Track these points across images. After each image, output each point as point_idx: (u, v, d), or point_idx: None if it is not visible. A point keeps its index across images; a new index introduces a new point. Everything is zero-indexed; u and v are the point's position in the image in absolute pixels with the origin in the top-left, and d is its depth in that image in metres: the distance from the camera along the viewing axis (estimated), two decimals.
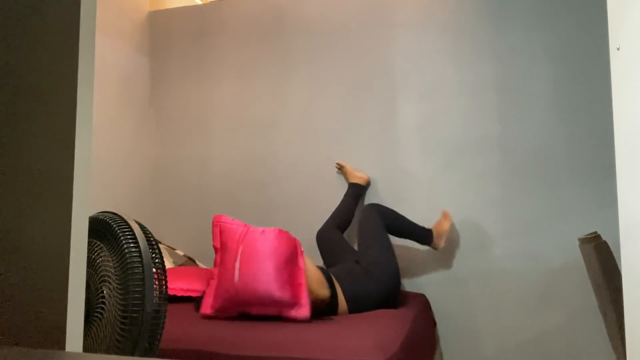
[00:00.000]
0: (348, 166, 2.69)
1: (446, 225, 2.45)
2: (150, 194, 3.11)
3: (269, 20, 2.98)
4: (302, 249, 2.03)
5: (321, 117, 2.84)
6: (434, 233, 2.43)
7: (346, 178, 2.70)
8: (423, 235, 2.43)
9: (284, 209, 2.84)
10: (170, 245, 3.00)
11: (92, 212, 1.29)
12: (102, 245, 1.24)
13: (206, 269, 2.71)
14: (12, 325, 0.85)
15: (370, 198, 2.71)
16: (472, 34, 2.63)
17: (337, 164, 2.73)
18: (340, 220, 2.59)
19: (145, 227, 1.28)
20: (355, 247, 2.49)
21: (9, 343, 0.85)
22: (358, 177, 2.65)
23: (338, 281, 2.12)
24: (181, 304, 2.24)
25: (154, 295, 1.18)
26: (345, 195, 2.65)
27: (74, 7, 0.89)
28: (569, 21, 2.49)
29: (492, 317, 2.50)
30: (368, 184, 2.68)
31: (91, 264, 1.22)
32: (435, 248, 2.44)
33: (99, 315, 1.17)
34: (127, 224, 1.25)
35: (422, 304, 2.37)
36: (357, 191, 2.63)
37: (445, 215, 2.50)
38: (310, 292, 1.96)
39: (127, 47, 3.00)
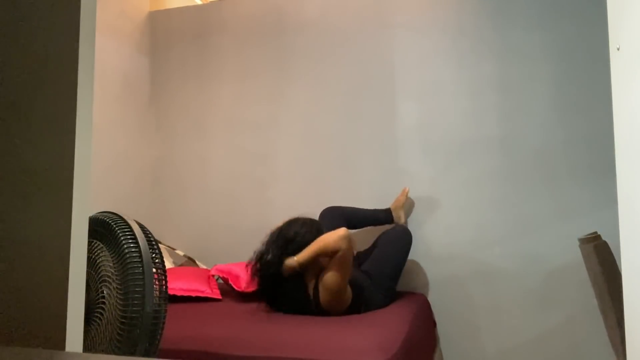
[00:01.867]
0: (403, 199, 2.58)
1: (401, 200, 2.56)
2: (150, 194, 3.11)
3: (269, 21, 2.98)
4: None
5: (321, 117, 2.84)
6: (392, 209, 2.55)
7: (395, 204, 2.58)
8: (383, 216, 2.55)
9: (284, 208, 2.84)
10: (170, 245, 3.00)
11: (92, 212, 1.29)
12: (102, 245, 1.24)
13: (206, 269, 2.71)
14: (12, 325, 0.85)
15: (370, 198, 2.70)
16: (472, 34, 2.63)
17: (407, 192, 2.60)
18: (352, 216, 2.55)
19: (145, 227, 1.28)
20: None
21: (9, 343, 0.85)
22: (400, 214, 2.55)
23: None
24: (181, 304, 2.24)
25: (154, 295, 1.18)
26: (376, 210, 2.58)
27: (74, 7, 0.89)
28: (569, 21, 2.49)
29: (492, 317, 2.50)
30: (392, 220, 2.58)
31: (91, 264, 1.22)
32: (397, 222, 2.55)
33: (99, 315, 1.17)
34: (127, 224, 1.25)
35: (422, 304, 2.37)
36: (384, 217, 2.57)
37: (403, 191, 2.59)
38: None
39: (127, 47, 2.99)
